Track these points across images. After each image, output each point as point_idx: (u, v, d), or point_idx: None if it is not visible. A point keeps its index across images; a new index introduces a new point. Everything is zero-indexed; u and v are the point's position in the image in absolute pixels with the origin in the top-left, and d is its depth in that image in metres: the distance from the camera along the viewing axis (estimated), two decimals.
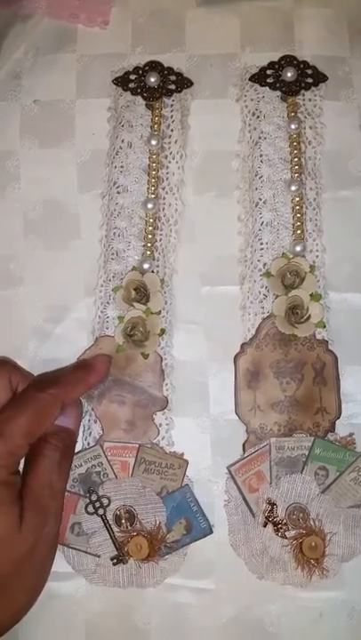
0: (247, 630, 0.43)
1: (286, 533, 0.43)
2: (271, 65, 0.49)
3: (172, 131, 0.48)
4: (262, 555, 0.43)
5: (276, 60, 0.49)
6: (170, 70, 0.49)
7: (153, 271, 0.47)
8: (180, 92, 0.49)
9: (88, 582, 0.44)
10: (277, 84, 0.48)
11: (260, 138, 0.48)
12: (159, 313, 0.46)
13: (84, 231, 0.48)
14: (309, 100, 0.49)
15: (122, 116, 0.48)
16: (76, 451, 0.43)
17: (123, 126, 0.48)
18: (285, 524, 0.43)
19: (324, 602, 0.44)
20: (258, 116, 0.48)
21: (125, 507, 0.43)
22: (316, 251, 0.47)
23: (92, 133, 0.49)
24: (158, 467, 0.44)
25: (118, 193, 0.47)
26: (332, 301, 0.46)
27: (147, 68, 0.49)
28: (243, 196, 0.48)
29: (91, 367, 0.44)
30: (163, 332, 0.46)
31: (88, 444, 0.45)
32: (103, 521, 0.43)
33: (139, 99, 0.48)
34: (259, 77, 0.48)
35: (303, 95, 0.49)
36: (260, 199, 0.47)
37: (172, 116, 0.48)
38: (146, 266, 0.46)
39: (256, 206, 0.47)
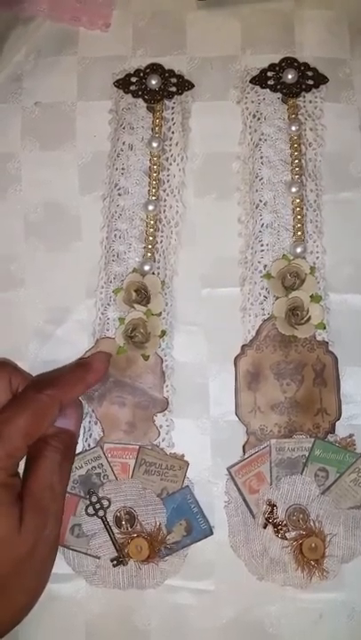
0: (247, 631, 0.44)
1: (286, 534, 0.43)
2: (272, 67, 0.49)
3: (172, 133, 0.48)
4: (262, 556, 0.43)
5: (276, 61, 0.49)
6: (171, 73, 0.49)
7: (154, 273, 0.47)
8: (180, 94, 0.49)
9: (88, 584, 0.44)
10: (278, 86, 0.48)
11: (260, 140, 0.48)
12: (160, 314, 0.46)
13: (85, 233, 0.48)
14: (310, 101, 0.49)
15: (123, 118, 0.48)
16: (77, 452, 0.44)
17: (124, 128, 0.48)
18: (285, 525, 0.43)
19: (324, 603, 0.44)
20: (258, 118, 0.48)
21: (126, 508, 0.43)
22: (317, 252, 0.47)
23: (94, 135, 0.49)
24: (159, 468, 0.44)
25: (119, 195, 0.48)
26: (332, 303, 0.46)
27: (148, 70, 0.49)
28: (243, 197, 0.48)
29: (89, 366, 0.44)
30: (163, 333, 0.46)
31: (88, 445, 0.45)
32: (103, 522, 0.43)
33: (140, 101, 0.49)
34: (259, 79, 0.49)
35: (304, 97, 0.49)
36: (261, 201, 0.47)
37: (172, 119, 0.49)
38: (146, 267, 0.46)
39: (256, 208, 0.47)
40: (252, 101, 0.49)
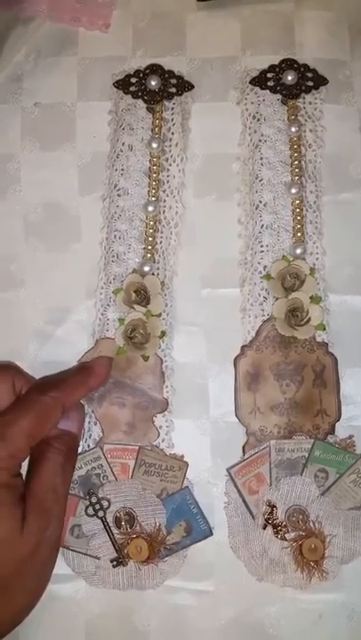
0: (247, 632, 0.44)
1: (286, 535, 0.43)
2: (272, 68, 0.49)
3: (172, 134, 0.48)
4: (262, 557, 0.43)
5: (276, 63, 0.49)
6: (171, 73, 0.49)
7: (153, 273, 0.47)
8: (180, 95, 0.49)
9: (88, 584, 0.44)
10: (278, 87, 0.48)
11: (260, 141, 0.48)
12: (159, 315, 0.46)
13: (85, 233, 0.48)
14: (310, 103, 0.49)
15: (123, 118, 0.48)
16: None
17: (123, 129, 0.48)
18: (285, 526, 0.43)
19: (323, 604, 0.44)
20: (258, 119, 0.48)
21: (125, 509, 0.43)
22: (317, 253, 0.47)
23: (93, 136, 0.49)
24: (158, 469, 0.44)
25: (119, 195, 0.48)
26: (332, 304, 0.47)
27: (147, 71, 0.49)
28: (243, 198, 0.48)
29: (91, 370, 0.44)
30: (163, 334, 0.46)
31: (88, 446, 0.45)
32: (103, 523, 0.43)
33: (139, 102, 0.49)
34: (259, 80, 0.49)
35: (304, 98, 0.49)
36: (261, 202, 0.47)
37: (172, 119, 0.49)
38: (146, 268, 0.46)
39: (256, 209, 0.47)
40: (252, 102, 0.49)
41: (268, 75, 0.49)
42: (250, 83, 0.49)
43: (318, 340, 0.46)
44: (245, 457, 0.44)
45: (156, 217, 0.47)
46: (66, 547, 0.43)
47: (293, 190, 0.47)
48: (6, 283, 0.48)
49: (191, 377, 0.46)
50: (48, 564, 0.39)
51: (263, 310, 0.46)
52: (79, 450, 0.44)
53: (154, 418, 0.45)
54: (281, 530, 0.43)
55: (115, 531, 0.43)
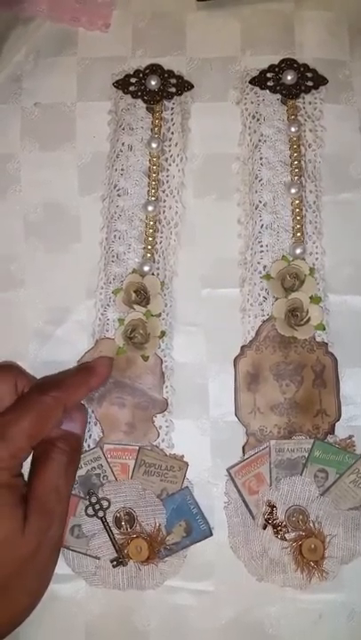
0: (247, 632, 0.44)
1: (286, 535, 0.43)
2: (271, 68, 0.49)
3: (172, 134, 0.48)
4: (262, 557, 0.43)
5: (276, 62, 0.49)
6: (170, 73, 0.49)
7: (153, 274, 0.47)
8: (180, 95, 0.49)
9: (88, 584, 0.44)
10: (278, 87, 0.48)
11: (260, 141, 0.48)
12: (159, 315, 0.46)
13: (85, 233, 0.48)
14: (310, 102, 0.49)
15: (122, 118, 0.48)
16: None
17: (123, 129, 0.48)
18: (285, 526, 0.43)
19: (323, 604, 0.44)
20: (258, 119, 0.48)
21: (125, 509, 0.44)
22: (316, 253, 0.47)
23: (93, 136, 0.49)
24: (158, 469, 0.44)
25: (119, 195, 0.48)
26: (331, 304, 0.47)
27: (147, 71, 0.49)
28: (243, 198, 0.48)
29: (92, 370, 0.44)
30: (163, 334, 0.46)
31: (88, 446, 0.45)
32: (103, 523, 0.43)
33: (139, 102, 0.49)
34: (259, 80, 0.49)
35: (303, 98, 0.49)
36: (261, 202, 0.47)
37: (172, 119, 0.49)
38: (146, 268, 0.46)
39: (256, 209, 0.47)
40: (252, 102, 0.49)
41: (268, 75, 0.49)
42: (250, 82, 0.49)
43: (318, 340, 0.46)
44: (245, 457, 0.44)
45: (155, 217, 0.47)
46: (66, 547, 0.43)
47: (293, 190, 0.47)
48: (6, 283, 0.48)
49: (191, 377, 0.46)
50: (49, 564, 0.39)
51: (263, 310, 0.46)
52: None
53: (154, 418, 0.45)
54: (281, 530, 0.43)
55: (115, 531, 0.43)
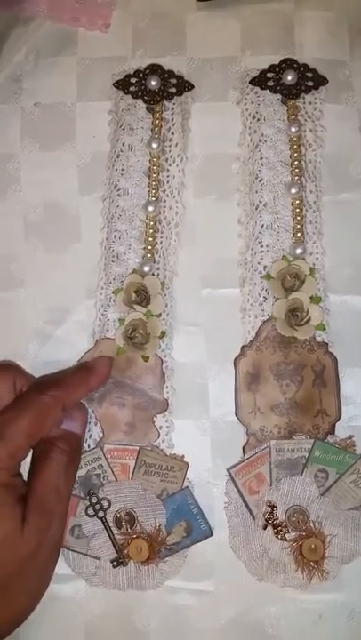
0: (247, 632, 0.44)
1: (286, 535, 0.43)
2: (272, 68, 0.49)
3: (172, 134, 0.48)
4: (262, 557, 0.43)
5: (276, 63, 0.49)
6: (170, 73, 0.49)
7: (153, 274, 0.47)
8: (180, 95, 0.49)
9: (88, 584, 0.44)
10: (278, 87, 0.48)
11: (260, 141, 0.48)
12: (159, 315, 0.46)
13: (85, 234, 0.48)
14: (310, 103, 0.49)
15: (122, 119, 0.48)
16: None
17: (123, 129, 0.48)
18: (285, 526, 0.43)
19: (323, 604, 0.44)
20: (258, 119, 0.48)
21: (126, 509, 0.43)
22: (317, 253, 0.47)
23: (93, 136, 0.49)
24: (158, 469, 0.44)
25: (119, 196, 0.48)
26: (331, 304, 0.47)
27: (147, 71, 0.49)
28: (243, 198, 0.48)
29: (92, 369, 0.44)
30: (163, 334, 0.46)
31: (88, 446, 0.45)
32: (103, 523, 0.43)
33: (139, 102, 0.49)
34: (259, 80, 0.49)
35: (303, 98, 0.49)
36: (261, 202, 0.47)
37: (172, 119, 0.49)
38: (146, 268, 0.46)
39: (256, 209, 0.47)
40: (252, 102, 0.49)
41: (268, 75, 0.49)
42: (250, 83, 0.49)
43: (318, 340, 0.46)
44: (246, 457, 0.44)
45: (156, 217, 0.47)
46: (66, 547, 0.43)
47: (293, 190, 0.47)
48: (6, 283, 0.48)
49: (191, 377, 0.46)
50: (49, 564, 0.39)
51: (263, 310, 0.46)
52: None
53: (154, 418, 0.45)
54: (281, 530, 0.43)
55: (115, 531, 0.43)
